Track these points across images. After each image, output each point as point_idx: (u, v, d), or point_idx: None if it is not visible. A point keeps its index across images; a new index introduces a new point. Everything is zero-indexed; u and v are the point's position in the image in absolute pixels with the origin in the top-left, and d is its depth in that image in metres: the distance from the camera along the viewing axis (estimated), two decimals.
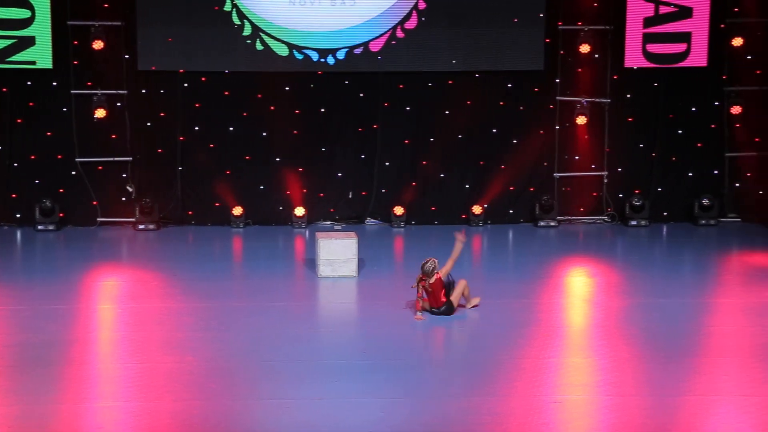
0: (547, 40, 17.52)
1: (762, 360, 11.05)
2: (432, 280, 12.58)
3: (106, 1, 17.16)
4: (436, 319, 12.54)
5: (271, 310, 12.94)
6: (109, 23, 17.16)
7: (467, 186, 17.99)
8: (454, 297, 12.65)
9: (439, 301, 12.61)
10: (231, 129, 17.69)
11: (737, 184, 18.18)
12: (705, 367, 10.93)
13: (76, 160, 17.48)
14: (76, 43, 17.21)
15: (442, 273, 12.67)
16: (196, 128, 17.67)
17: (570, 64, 17.83)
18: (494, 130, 17.87)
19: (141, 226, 17.47)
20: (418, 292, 12.62)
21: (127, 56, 17.31)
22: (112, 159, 17.55)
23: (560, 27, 17.64)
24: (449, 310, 12.60)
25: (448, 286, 12.70)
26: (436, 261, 12.69)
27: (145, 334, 12.02)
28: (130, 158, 17.60)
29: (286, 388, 10.29)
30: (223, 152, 17.73)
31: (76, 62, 17.28)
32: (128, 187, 17.64)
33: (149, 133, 17.62)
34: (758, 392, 10.12)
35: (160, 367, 10.82)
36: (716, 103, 17.95)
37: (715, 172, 18.14)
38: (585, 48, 17.59)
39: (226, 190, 17.78)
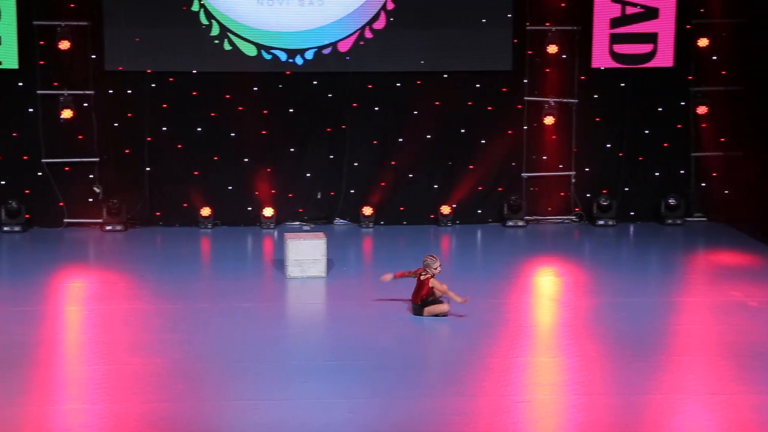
0: (515, 41, 17.58)
1: (728, 358, 11.13)
2: (422, 277, 12.58)
3: (73, 1, 17.05)
4: (403, 319, 12.54)
5: (239, 311, 12.90)
6: (76, 23, 17.06)
7: (436, 186, 18.02)
8: (428, 309, 12.56)
9: (417, 297, 12.59)
10: (199, 129, 17.63)
11: (703, 184, 18.31)
12: (672, 365, 10.99)
13: (43, 161, 17.36)
14: (42, 43, 17.10)
15: (433, 283, 12.55)
16: (164, 129, 17.60)
17: (538, 65, 17.89)
18: (462, 131, 17.91)
19: (108, 227, 17.38)
20: (411, 270, 12.66)
21: (93, 56, 17.21)
22: (78, 160, 17.45)
23: (528, 27, 17.70)
24: (418, 311, 12.60)
25: (432, 301, 12.66)
26: (436, 260, 12.62)
27: (112, 335, 11.95)
28: (97, 159, 17.51)
29: (254, 389, 10.26)
30: (191, 153, 17.67)
31: (42, 62, 17.16)
32: (95, 188, 17.54)
33: (116, 134, 17.53)
34: (724, 390, 10.20)
35: (128, 369, 10.77)
36: (682, 104, 18.07)
37: (682, 171, 18.26)
38: (552, 48, 17.67)
39: (194, 191, 17.72)
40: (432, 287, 12.55)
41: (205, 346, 11.50)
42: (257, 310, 13.02)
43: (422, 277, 12.60)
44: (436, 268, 12.59)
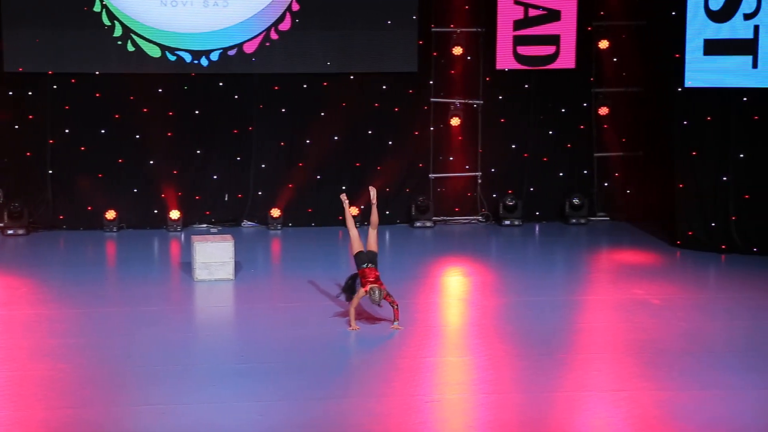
0: (420, 42, 17.69)
1: (631, 355, 11.34)
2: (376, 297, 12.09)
3: None
4: (312, 322, 12.51)
5: (146, 314, 12.76)
6: None
7: (344, 188, 17.98)
8: (353, 298, 12.36)
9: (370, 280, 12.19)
10: (103, 131, 17.40)
11: (606, 184, 18.63)
12: (577, 363, 11.16)
13: None
14: None
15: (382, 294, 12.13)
16: (67, 131, 17.33)
17: (443, 66, 18.04)
18: (369, 132, 17.97)
19: (10, 231, 17.03)
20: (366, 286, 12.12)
21: None
22: None
23: (433, 29, 17.84)
24: (350, 288, 12.35)
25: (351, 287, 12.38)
26: (377, 292, 12.05)
27: (15, 341, 11.72)
28: None
29: (162, 393, 10.15)
30: (95, 155, 17.42)
31: None
32: None
33: (17, 136, 17.20)
34: (628, 387, 10.38)
35: (31, 375, 10.57)
36: (585, 104, 18.35)
37: (585, 171, 18.55)
38: (457, 50, 17.85)
39: (98, 194, 17.47)
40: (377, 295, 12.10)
41: (112, 351, 11.34)
42: (164, 313, 12.89)
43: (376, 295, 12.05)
44: (376, 297, 12.06)
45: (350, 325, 12.17)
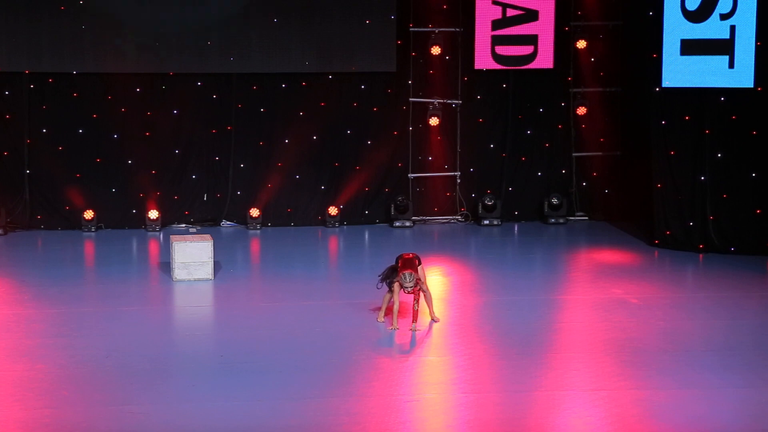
0: (399, 42, 17.71)
1: (610, 354, 11.38)
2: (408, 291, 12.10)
3: None
4: (292, 322, 12.51)
5: (125, 314, 12.72)
6: None
7: (323, 187, 18.04)
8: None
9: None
10: (80, 131, 17.34)
11: (584, 183, 18.70)
12: (556, 362, 11.19)
13: None
14: None
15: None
16: (44, 130, 17.26)
17: (422, 66, 18.06)
18: (348, 131, 17.97)
19: None
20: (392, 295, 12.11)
21: None
22: None
23: (411, 29, 17.86)
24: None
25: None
26: (409, 278, 12.04)
27: None
28: None
29: (141, 393, 10.12)
30: (73, 155, 17.37)
31: None
32: None
33: None
34: (607, 386, 10.43)
35: (9, 375, 10.52)
36: (563, 104, 18.42)
37: (563, 171, 18.61)
38: (436, 50, 17.88)
39: (76, 194, 17.41)
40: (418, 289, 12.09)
41: (90, 351, 11.30)
42: (143, 313, 12.85)
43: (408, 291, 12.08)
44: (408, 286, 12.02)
45: (378, 318, 12.22)
